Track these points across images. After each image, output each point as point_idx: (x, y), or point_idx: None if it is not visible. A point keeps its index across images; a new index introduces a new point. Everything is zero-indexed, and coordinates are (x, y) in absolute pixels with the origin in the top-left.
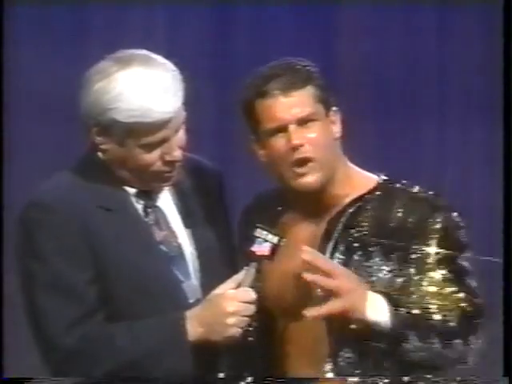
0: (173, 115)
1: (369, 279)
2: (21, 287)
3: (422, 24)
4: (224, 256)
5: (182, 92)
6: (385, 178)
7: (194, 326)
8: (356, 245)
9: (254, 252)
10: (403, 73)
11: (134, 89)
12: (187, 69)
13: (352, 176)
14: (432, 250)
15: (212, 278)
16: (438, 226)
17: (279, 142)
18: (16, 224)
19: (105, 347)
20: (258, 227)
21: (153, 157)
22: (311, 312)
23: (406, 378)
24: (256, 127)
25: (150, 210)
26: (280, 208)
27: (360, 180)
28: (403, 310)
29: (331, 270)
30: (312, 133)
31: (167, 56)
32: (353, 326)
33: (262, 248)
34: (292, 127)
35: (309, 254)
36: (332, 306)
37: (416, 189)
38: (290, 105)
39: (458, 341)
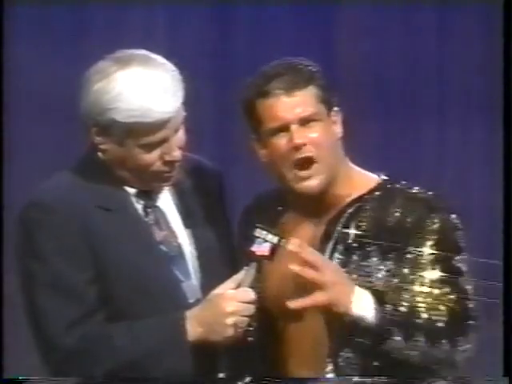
0: (172, 115)
1: (367, 279)
2: (21, 287)
3: (421, 24)
4: (224, 256)
5: (181, 92)
6: (385, 177)
7: (194, 326)
8: (355, 245)
9: (253, 252)
10: (403, 73)
11: (134, 89)
12: (187, 69)
13: (353, 176)
14: (428, 250)
15: (212, 277)
16: (435, 226)
17: (281, 142)
18: (16, 224)
19: (105, 347)
20: (257, 227)
21: (152, 157)
22: (295, 303)
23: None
24: (257, 127)
25: (149, 209)
26: (280, 208)
27: (361, 180)
28: (390, 308)
29: (316, 263)
30: (314, 133)
31: (167, 56)
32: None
33: (261, 248)
34: (294, 127)
35: (295, 245)
36: (316, 298)
37: (415, 189)
38: (293, 104)
39: (444, 341)
